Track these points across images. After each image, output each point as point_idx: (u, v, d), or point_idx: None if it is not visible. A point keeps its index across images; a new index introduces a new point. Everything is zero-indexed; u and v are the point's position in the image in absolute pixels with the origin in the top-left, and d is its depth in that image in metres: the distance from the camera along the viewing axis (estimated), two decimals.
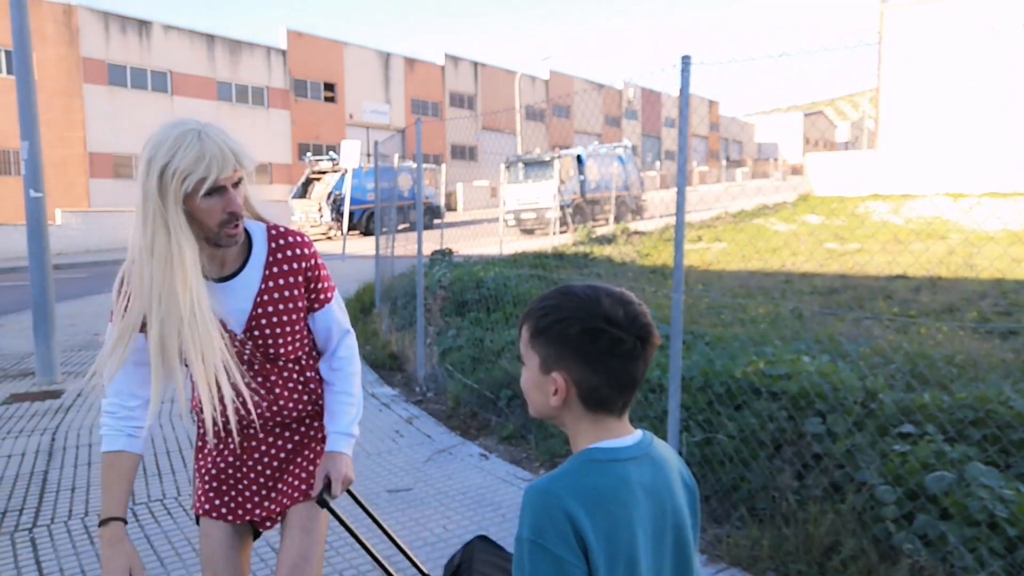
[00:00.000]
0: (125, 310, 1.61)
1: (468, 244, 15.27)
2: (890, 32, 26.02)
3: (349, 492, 1.84)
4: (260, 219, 1.78)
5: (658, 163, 54.49)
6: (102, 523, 1.59)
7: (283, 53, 34.71)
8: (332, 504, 1.75)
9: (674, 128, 62.53)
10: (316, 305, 1.82)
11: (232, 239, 1.63)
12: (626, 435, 1.11)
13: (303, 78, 35.68)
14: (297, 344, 1.81)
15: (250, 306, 1.71)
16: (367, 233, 24.28)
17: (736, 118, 77.63)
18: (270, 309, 1.73)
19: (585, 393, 1.08)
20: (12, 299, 12.47)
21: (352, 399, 1.87)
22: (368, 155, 26.62)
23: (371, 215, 24.45)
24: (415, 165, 7.64)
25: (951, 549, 2.63)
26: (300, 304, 1.78)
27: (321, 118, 36.47)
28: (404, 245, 8.91)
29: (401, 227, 15.27)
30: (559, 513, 1.00)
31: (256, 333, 1.73)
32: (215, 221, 1.57)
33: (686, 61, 3.28)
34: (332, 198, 24.61)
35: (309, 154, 31.64)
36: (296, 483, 1.84)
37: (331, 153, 28.26)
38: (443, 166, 27.31)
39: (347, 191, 24.11)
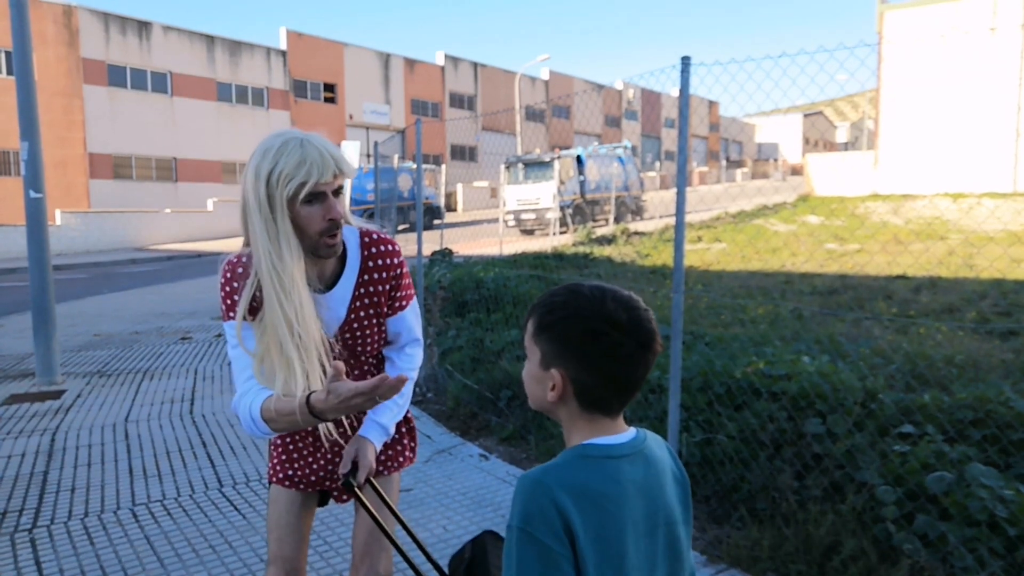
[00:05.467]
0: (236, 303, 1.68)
1: (468, 245, 15.25)
2: (890, 32, 26.03)
3: (370, 482, 1.93)
4: (351, 224, 1.83)
5: (658, 163, 54.49)
6: (307, 405, 1.54)
7: (283, 54, 34.72)
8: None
9: (674, 128, 62.51)
10: (392, 311, 1.89)
11: (331, 249, 1.67)
12: (620, 432, 1.11)
13: (303, 79, 35.69)
14: (380, 343, 1.91)
15: (344, 313, 1.80)
16: None
17: (736, 119, 77.55)
18: (361, 314, 1.82)
19: (581, 392, 1.08)
20: (12, 299, 12.48)
21: (402, 399, 1.94)
22: (368, 156, 26.62)
23: (371, 215, 24.42)
24: (415, 166, 7.65)
25: (951, 549, 2.63)
26: (384, 310, 1.87)
27: (321, 119, 36.42)
28: (404, 245, 8.88)
29: (401, 227, 15.28)
30: (549, 504, 1.01)
31: (347, 336, 1.82)
32: (315, 229, 1.62)
33: (686, 61, 3.28)
34: None
35: None
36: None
37: None
38: (443, 167, 27.28)
39: (347, 192, 24.11)
